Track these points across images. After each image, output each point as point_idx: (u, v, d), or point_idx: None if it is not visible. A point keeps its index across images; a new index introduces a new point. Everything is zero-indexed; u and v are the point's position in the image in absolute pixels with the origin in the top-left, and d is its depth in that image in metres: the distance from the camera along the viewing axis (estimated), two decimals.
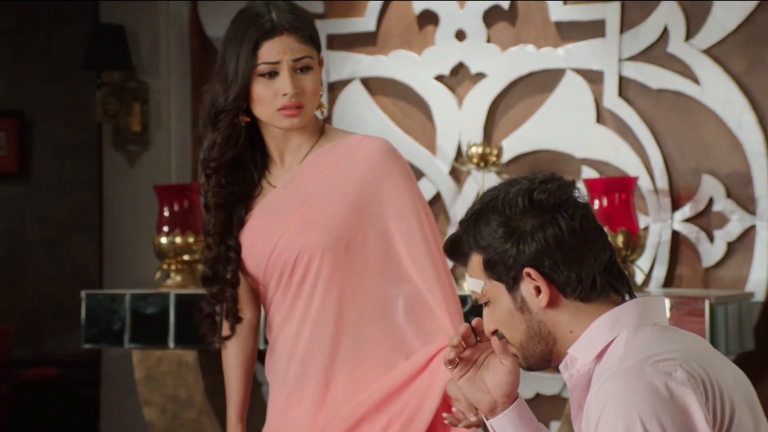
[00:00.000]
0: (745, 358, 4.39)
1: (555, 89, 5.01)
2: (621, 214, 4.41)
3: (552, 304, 1.97)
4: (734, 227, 4.74)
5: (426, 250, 2.61)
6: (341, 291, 2.59)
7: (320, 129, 2.67)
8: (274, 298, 2.63)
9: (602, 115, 4.96)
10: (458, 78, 5.17)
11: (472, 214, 2.02)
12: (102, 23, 5.72)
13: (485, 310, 2.04)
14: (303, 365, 2.60)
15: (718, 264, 4.77)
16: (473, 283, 2.03)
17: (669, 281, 4.82)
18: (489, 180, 4.84)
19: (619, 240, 4.37)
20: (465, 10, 5.13)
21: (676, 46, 4.83)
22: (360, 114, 5.22)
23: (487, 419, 2.14)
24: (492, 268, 1.99)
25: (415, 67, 5.20)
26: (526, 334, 2.00)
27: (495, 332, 2.05)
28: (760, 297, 4.66)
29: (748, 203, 4.74)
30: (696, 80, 4.80)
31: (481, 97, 5.10)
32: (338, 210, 2.58)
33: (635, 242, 4.41)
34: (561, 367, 2.00)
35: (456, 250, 2.05)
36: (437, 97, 5.17)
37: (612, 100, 4.92)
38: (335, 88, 5.32)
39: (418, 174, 5.09)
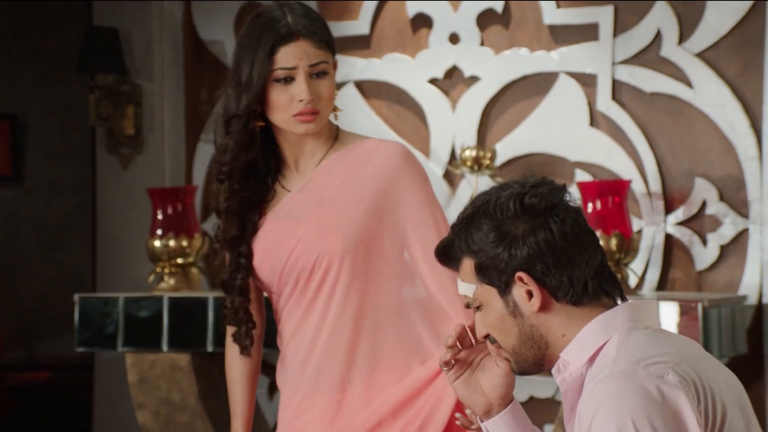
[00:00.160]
0: (738, 361, 4.39)
1: (548, 92, 5.01)
2: (614, 218, 4.41)
3: (544, 308, 1.97)
4: (727, 230, 4.75)
5: None
6: (360, 297, 2.56)
7: (335, 133, 2.63)
8: (287, 304, 2.59)
9: (596, 119, 4.96)
10: (452, 81, 5.17)
11: (463, 219, 2.02)
12: (95, 26, 5.71)
13: (477, 315, 2.04)
14: (317, 371, 2.57)
15: (711, 267, 4.78)
16: (465, 288, 2.03)
17: (662, 284, 4.83)
18: (483, 183, 4.84)
19: (613, 243, 4.38)
20: (459, 13, 5.14)
21: (669, 49, 4.83)
22: (354, 117, 5.21)
23: (482, 421, 2.14)
24: (484, 273, 1.99)
25: (408, 70, 5.20)
26: (518, 338, 2.00)
27: (487, 336, 2.05)
28: (752, 300, 4.66)
29: (740, 206, 4.74)
30: (689, 84, 4.80)
31: (475, 100, 5.11)
32: (356, 215, 2.55)
33: (628, 245, 4.41)
34: (553, 370, 2.00)
35: (448, 254, 2.05)
36: (431, 100, 5.17)
37: (605, 104, 4.93)
38: None
39: None
